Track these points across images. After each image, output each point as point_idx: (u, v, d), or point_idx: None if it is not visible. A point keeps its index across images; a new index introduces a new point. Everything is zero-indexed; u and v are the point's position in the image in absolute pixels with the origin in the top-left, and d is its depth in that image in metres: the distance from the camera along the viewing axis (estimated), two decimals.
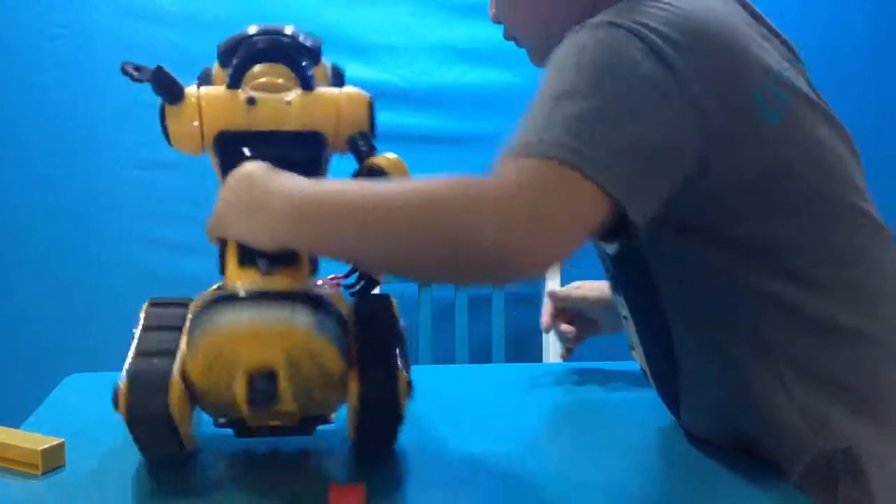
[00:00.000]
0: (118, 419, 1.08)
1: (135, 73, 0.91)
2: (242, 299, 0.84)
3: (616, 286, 1.08)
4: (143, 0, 2.02)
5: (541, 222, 0.75)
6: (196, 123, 0.92)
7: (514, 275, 0.77)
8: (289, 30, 0.99)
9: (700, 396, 1.02)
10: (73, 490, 0.90)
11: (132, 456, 0.97)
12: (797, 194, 0.91)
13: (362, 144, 0.96)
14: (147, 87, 2.07)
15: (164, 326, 0.91)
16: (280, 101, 0.93)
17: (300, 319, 0.83)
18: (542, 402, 1.19)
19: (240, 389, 0.84)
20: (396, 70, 2.06)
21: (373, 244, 0.79)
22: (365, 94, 0.97)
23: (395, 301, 0.99)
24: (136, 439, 0.88)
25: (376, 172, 0.95)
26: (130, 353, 0.90)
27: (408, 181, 0.88)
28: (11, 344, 2.02)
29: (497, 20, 1.08)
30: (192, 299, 0.97)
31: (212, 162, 0.96)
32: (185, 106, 0.93)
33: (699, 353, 0.98)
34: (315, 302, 0.85)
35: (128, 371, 0.87)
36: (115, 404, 0.86)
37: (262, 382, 0.84)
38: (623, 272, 1.03)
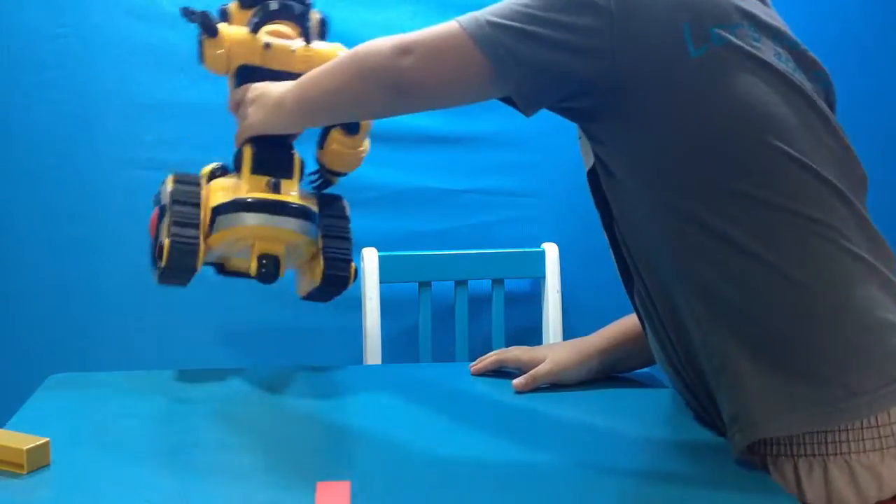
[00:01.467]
0: (102, 418, 1.09)
1: (190, 16, 1.24)
2: (261, 207, 1.19)
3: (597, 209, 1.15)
4: (143, 0, 2.02)
5: (432, 64, 1.03)
6: (224, 51, 1.24)
7: (411, 100, 1.09)
8: None
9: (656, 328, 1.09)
10: (58, 489, 0.90)
11: (117, 454, 0.98)
12: (709, 127, 0.97)
13: None
14: (148, 89, 2.09)
15: (189, 202, 1.21)
16: (288, 48, 1.25)
17: (296, 226, 1.20)
18: (540, 401, 1.19)
19: (253, 265, 1.19)
20: None
21: (339, 92, 1.12)
22: (343, 46, 1.29)
23: (346, 203, 1.31)
24: (163, 279, 1.22)
25: None
26: (167, 222, 1.19)
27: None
28: None
29: None
30: (199, 177, 1.27)
31: (228, 84, 1.28)
32: (219, 40, 1.24)
33: (645, 278, 1.06)
34: (304, 212, 1.21)
35: (171, 237, 1.17)
36: (159, 257, 1.18)
37: (270, 264, 1.19)
38: (592, 191, 1.12)
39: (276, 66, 1.24)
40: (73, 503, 0.87)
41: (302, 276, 1.32)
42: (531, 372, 1.23)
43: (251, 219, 1.18)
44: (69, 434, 1.01)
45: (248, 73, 1.24)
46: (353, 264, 1.26)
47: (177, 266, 1.18)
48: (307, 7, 1.32)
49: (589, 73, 0.98)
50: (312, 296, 1.29)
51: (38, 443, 0.93)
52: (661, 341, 1.08)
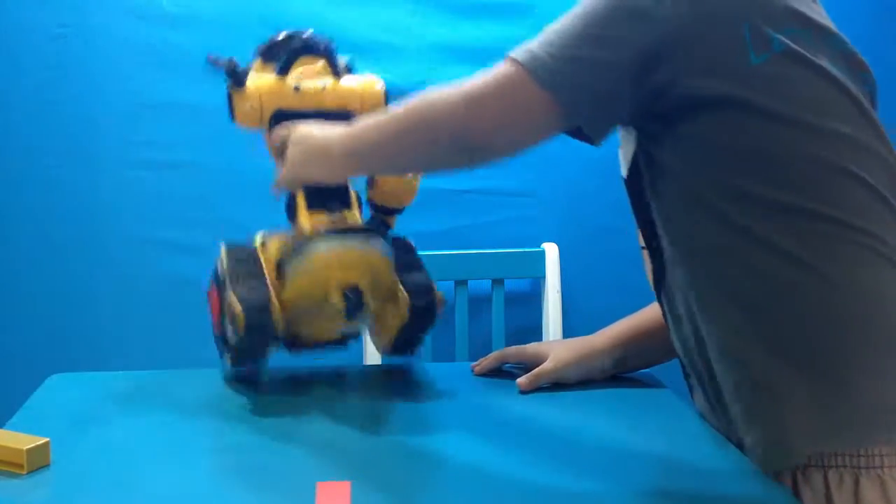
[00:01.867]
0: (102, 418, 1.09)
1: (216, 63, 1.19)
2: (330, 236, 1.13)
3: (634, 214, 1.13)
4: (143, 0, 2.02)
5: (488, 104, 0.97)
6: (255, 105, 1.19)
7: (479, 154, 1.01)
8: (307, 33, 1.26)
9: (680, 326, 1.07)
10: (58, 489, 0.90)
11: (117, 455, 0.98)
12: (764, 137, 0.95)
13: None
14: (148, 89, 2.09)
15: (250, 259, 1.17)
16: (318, 87, 1.21)
17: (375, 246, 1.14)
18: (540, 401, 1.19)
19: (337, 302, 1.11)
20: (396, 70, 2.05)
21: (395, 147, 1.05)
22: (379, 79, 1.26)
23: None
24: (240, 355, 1.16)
25: None
26: (231, 291, 1.13)
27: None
28: None
29: None
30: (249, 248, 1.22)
31: (265, 139, 1.21)
32: (248, 92, 1.19)
33: (679, 275, 1.04)
34: (378, 232, 1.17)
35: (242, 301, 1.10)
36: (232, 326, 1.11)
37: (355, 297, 1.11)
38: (631, 196, 1.10)
39: (309, 107, 1.19)
40: (72, 503, 0.87)
41: (381, 325, 1.24)
42: (534, 371, 1.23)
43: (322, 246, 1.12)
44: (69, 434, 1.01)
45: (282, 118, 1.19)
46: (438, 291, 1.21)
47: (254, 332, 1.11)
48: (329, 43, 1.26)
49: (655, 84, 0.95)
50: (399, 342, 1.22)
51: (38, 443, 0.93)
52: (685, 341, 1.08)
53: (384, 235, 1.22)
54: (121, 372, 1.28)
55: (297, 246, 1.13)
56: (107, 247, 2.04)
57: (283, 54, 1.22)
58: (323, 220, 1.16)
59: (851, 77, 1.01)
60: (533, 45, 0.96)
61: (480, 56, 2.11)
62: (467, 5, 2.05)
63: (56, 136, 2.02)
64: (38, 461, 0.93)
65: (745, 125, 0.95)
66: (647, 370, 1.30)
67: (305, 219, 1.17)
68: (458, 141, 0.99)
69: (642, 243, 1.13)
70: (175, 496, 0.88)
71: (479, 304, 2.04)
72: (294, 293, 1.13)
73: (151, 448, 1.00)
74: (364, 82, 1.24)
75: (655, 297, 1.14)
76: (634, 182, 1.07)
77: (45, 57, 2.01)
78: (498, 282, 2.01)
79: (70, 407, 1.13)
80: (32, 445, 0.92)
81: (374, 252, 1.14)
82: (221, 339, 1.18)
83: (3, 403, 1.14)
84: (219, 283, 1.17)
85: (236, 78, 1.17)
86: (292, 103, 1.19)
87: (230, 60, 1.17)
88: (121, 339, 2.03)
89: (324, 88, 1.21)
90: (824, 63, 0.98)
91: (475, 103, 0.97)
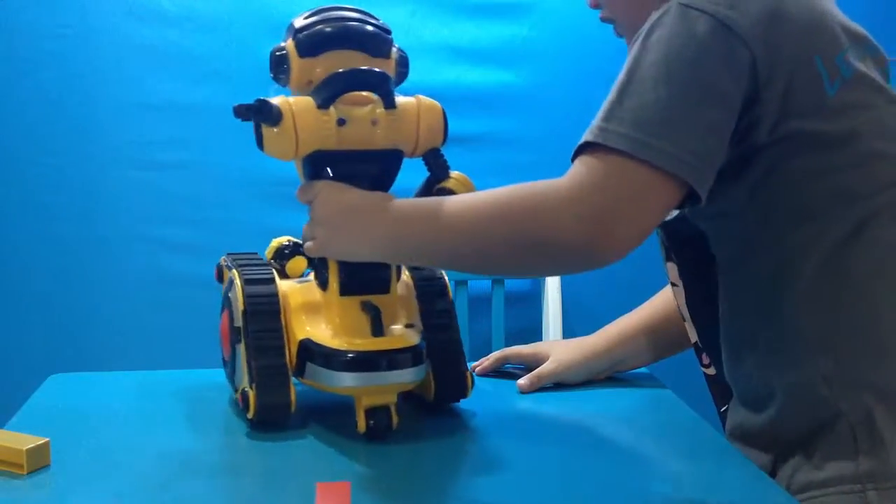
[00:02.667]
0: (102, 418, 1.09)
1: (244, 114, 0.98)
2: (365, 364, 0.98)
3: (668, 254, 1.11)
4: (143, 0, 2.02)
5: (613, 217, 0.84)
6: (292, 144, 0.98)
7: (594, 266, 0.87)
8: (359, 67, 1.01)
9: (740, 363, 1.04)
10: (58, 489, 0.89)
11: (117, 455, 0.98)
12: (840, 163, 0.94)
13: (438, 164, 1.04)
14: (148, 89, 2.09)
15: (270, 329, 1.04)
16: (366, 121, 0.99)
17: (410, 377, 1.00)
18: (540, 401, 1.19)
19: (360, 421, 1.00)
20: None
21: (461, 253, 0.92)
22: (437, 104, 1.04)
23: (447, 283, 1.12)
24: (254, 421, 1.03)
25: (445, 194, 1.00)
26: (245, 353, 1.03)
27: (488, 193, 0.92)
28: None
29: (595, 4, 1.11)
30: (270, 269, 1.09)
31: (296, 166, 1.04)
32: (283, 128, 0.97)
33: (744, 314, 1.01)
34: (417, 356, 1.00)
35: (256, 389, 1.01)
36: (244, 405, 1.03)
37: (382, 419, 1.00)
38: (677, 241, 1.07)
39: (354, 147, 0.99)
40: (72, 503, 0.87)
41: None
42: (535, 371, 1.23)
43: (351, 379, 0.98)
44: (69, 434, 1.01)
45: (320, 159, 1.00)
46: (469, 375, 1.10)
47: (267, 418, 1.03)
48: (394, 52, 1.03)
49: (743, 126, 0.92)
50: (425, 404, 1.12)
51: (38, 443, 0.93)
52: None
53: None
54: (121, 372, 1.28)
55: (326, 359, 1.00)
56: (107, 247, 2.04)
57: (330, 83, 0.98)
58: (356, 316, 1.01)
59: (889, 84, 1.01)
60: (622, 125, 0.86)
61: (480, 56, 2.13)
62: (467, 5, 2.05)
63: (56, 136, 2.03)
64: (38, 461, 0.92)
65: (817, 158, 0.94)
66: (645, 370, 1.30)
67: (336, 307, 1.02)
68: (578, 255, 0.87)
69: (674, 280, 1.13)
70: (175, 496, 0.88)
71: (479, 304, 2.04)
72: (311, 384, 1.04)
73: (151, 448, 1.00)
74: (422, 110, 1.02)
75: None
76: (681, 222, 1.04)
77: (45, 57, 2.01)
78: (498, 281, 2.01)
79: (70, 407, 1.13)
80: (32, 445, 0.92)
81: (413, 384, 1.02)
82: (226, 366, 1.12)
83: (3, 403, 1.14)
84: (231, 314, 1.07)
85: (269, 117, 0.97)
86: (334, 143, 0.98)
87: (261, 102, 0.97)
88: (121, 339, 2.03)
89: (374, 124, 0.99)
90: (877, 77, 0.98)
91: (595, 218, 0.84)
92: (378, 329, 0.99)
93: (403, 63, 1.04)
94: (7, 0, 1.99)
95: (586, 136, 0.88)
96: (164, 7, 2.02)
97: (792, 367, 0.98)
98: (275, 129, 0.97)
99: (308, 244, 1.00)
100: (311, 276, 1.10)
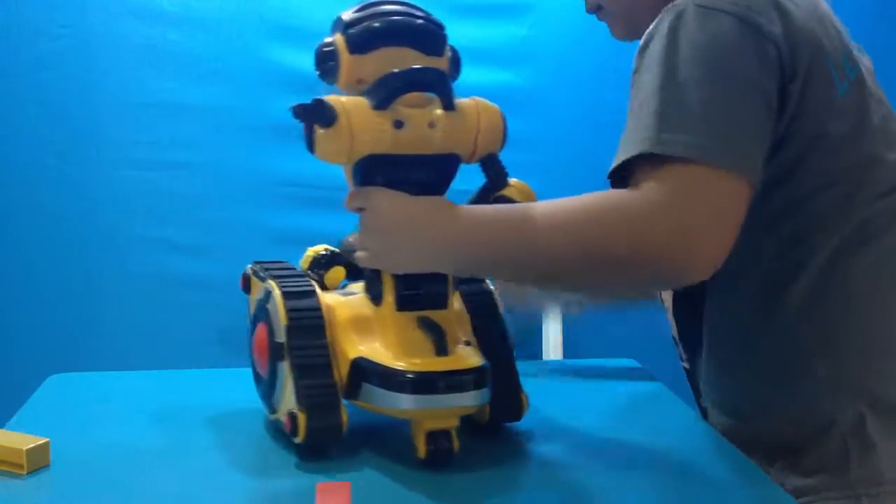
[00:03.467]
0: (102, 418, 1.09)
1: (303, 115, 0.91)
2: (427, 386, 0.91)
3: None
4: (143, 0, 2.02)
5: (703, 231, 0.83)
6: (347, 147, 0.91)
7: (687, 281, 0.87)
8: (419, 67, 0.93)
9: (724, 365, 1.04)
10: (58, 489, 0.89)
11: (116, 455, 0.98)
12: (842, 166, 0.95)
13: (496, 171, 0.97)
14: (148, 89, 2.09)
15: (316, 355, 0.96)
16: (424, 123, 0.92)
17: (476, 401, 0.93)
18: (539, 399, 1.19)
19: (420, 447, 0.94)
20: None
21: (550, 259, 0.88)
22: (496, 107, 0.96)
23: (496, 295, 1.05)
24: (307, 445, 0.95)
25: (505, 203, 0.96)
26: (290, 376, 0.95)
27: (572, 199, 0.90)
28: None
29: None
30: (309, 282, 1.01)
31: (345, 171, 0.97)
32: (338, 130, 0.90)
33: (735, 320, 1.01)
34: (480, 377, 0.92)
35: (306, 412, 0.93)
36: (293, 429, 0.94)
37: (443, 444, 0.93)
38: None
39: (410, 151, 0.92)
40: (72, 503, 0.87)
41: None
42: None
43: (414, 402, 0.91)
44: (69, 434, 1.01)
45: (374, 163, 0.93)
46: (524, 396, 1.04)
47: (317, 442, 0.96)
48: (448, 52, 0.96)
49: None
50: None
51: (38, 443, 0.93)
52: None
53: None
54: (121, 372, 1.28)
55: (383, 379, 0.93)
56: (107, 247, 2.04)
57: (387, 84, 0.91)
58: (414, 333, 0.94)
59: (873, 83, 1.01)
60: (680, 132, 0.85)
61: (480, 56, 2.13)
62: (467, 5, 2.05)
63: (56, 136, 2.03)
64: (38, 461, 0.92)
65: (823, 160, 0.94)
66: (631, 362, 1.30)
67: (391, 324, 0.95)
68: (672, 268, 0.85)
69: None
70: (175, 496, 0.88)
71: None
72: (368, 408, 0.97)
73: (151, 448, 1.00)
74: (481, 113, 0.95)
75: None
76: None
77: (45, 57, 2.01)
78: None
79: (70, 407, 1.13)
80: (32, 445, 0.92)
81: (476, 407, 0.95)
82: (259, 381, 1.05)
83: (3, 403, 1.14)
84: (270, 330, 0.99)
85: (324, 118, 0.90)
86: (390, 147, 0.92)
87: (319, 102, 0.90)
88: (121, 339, 2.03)
89: (431, 127, 0.92)
90: (867, 78, 0.98)
91: (686, 234, 0.83)
92: (443, 348, 0.92)
93: (456, 62, 0.97)
94: (7, 0, 1.99)
95: (643, 147, 0.85)
96: (164, 7, 2.03)
97: (790, 375, 0.98)
98: (328, 131, 0.90)
99: (362, 255, 0.94)
100: (351, 286, 1.05)
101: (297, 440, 0.93)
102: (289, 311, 0.96)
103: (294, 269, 1.06)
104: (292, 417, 0.94)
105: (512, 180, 0.98)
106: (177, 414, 1.11)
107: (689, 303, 1.05)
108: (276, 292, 0.98)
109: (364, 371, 0.94)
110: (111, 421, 1.09)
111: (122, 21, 2.02)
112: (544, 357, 2.05)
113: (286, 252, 2.13)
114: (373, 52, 0.92)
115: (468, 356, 0.94)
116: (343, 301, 1.00)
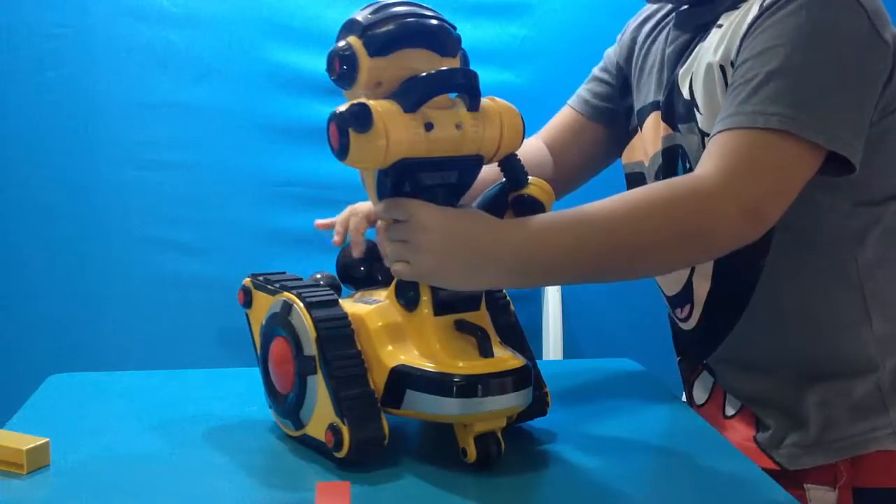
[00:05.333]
0: (102, 418, 1.09)
1: (342, 119, 0.89)
2: (472, 389, 0.90)
3: None
4: (143, 0, 2.02)
5: (769, 202, 0.92)
6: (382, 151, 0.89)
7: (745, 244, 0.94)
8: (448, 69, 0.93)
9: (766, 324, 1.08)
10: (57, 489, 0.89)
11: (116, 455, 0.98)
12: None
13: (517, 170, 0.98)
14: (148, 89, 2.08)
15: (349, 356, 0.94)
16: (452, 124, 0.92)
17: (523, 400, 0.93)
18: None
19: (470, 450, 0.92)
20: None
21: (613, 257, 0.92)
22: (513, 107, 0.97)
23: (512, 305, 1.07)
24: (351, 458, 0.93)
25: (528, 201, 0.97)
26: (336, 394, 0.92)
27: (634, 193, 0.95)
28: None
29: None
30: (333, 296, 0.98)
31: (364, 178, 0.97)
32: (374, 135, 0.88)
33: (789, 278, 1.06)
34: (524, 376, 0.92)
35: (349, 426, 0.91)
36: (339, 446, 0.91)
37: (493, 446, 0.93)
38: None
39: (441, 153, 0.92)
40: (72, 503, 0.87)
41: None
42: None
43: (461, 406, 0.90)
44: (69, 434, 1.01)
45: (406, 168, 0.91)
46: (547, 392, 1.04)
47: (361, 455, 0.93)
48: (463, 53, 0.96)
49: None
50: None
51: (38, 443, 0.93)
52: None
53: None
54: (121, 372, 1.28)
55: (428, 383, 0.91)
56: (107, 247, 2.04)
57: (413, 90, 0.90)
58: (453, 336, 0.93)
59: None
60: (775, 105, 0.92)
61: (480, 56, 2.12)
62: (467, 5, 2.05)
63: (56, 137, 2.03)
64: (38, 461, 0.92)
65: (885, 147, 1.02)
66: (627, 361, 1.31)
67: (430, 330, 0.93)
68: (736, 240, 0.93)
69: None
70: (175, 496, 0.88)
71: None
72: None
73: (151, 448, 1.00)
74: (504, 114, 0.95)
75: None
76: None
77: (45, 57, 2.01)
78: None
79: (70, 407, 1.13)
80: (32, 445, 0.92)
81: (521, 405, 0.94)
82: (272, 394, 1.03)
83: (3, 403, 1.14)
84: (295, 344, 0.96)
85: (363, 123, 0.89)
86: (420, 150, 0.91)
87: (359, 105, 0.88)
88: (121, 340, 2.03)
89: (458, 128, 0.92)
90: None
91: (755, 208, 0.92)
92: (487, 350, 0.91)
93: (466, 62, 0.96)
94: (7, 0, 1.99)
95: (732, 122, 0.93)
96: (164, 7, 2.02)
97: (849, 329, 1.05)
98: (365, 136, 0.88)
99: (402, 268, 0.91)
100: (372, 294, 1.05)
101: (340, 455, 0.91)
102: (317, 321, 0.94)
103: (301, 278, 1.04)
104: (335, 431, 0.91)
105: (533, 179, 0.98)
106: (176, 414, 1.11)
107: (747, 265, 1.07)
108: (299, 304, 0.95)
109: (407, 378, 0.92)
110: (111, 421, 1.09)
111: (122, 21, 2.02)
112: (544, 357, 2.05)
113: (286, 252, 2.14)
114: (393, 55, 0.91)
115: (510, 357, 0.93)
116: (369, 309, 0.98)
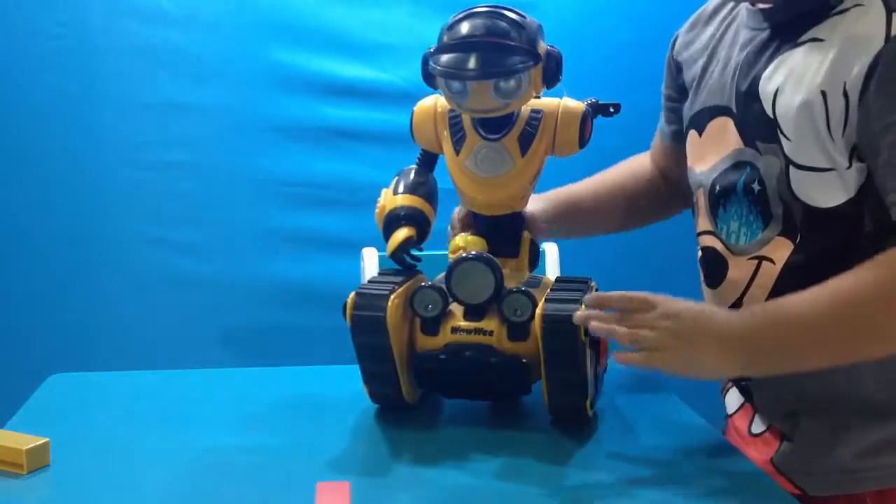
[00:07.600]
0: (102, 418, 1.09)
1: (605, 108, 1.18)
2: None
3: (784, 230, 1.05)
4: (143, 0, 2.02)
5: None
6: None
7: None
8: None
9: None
10: (57, 489, 0.90)
11: (116, 455, 0.98)
12: None
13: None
14: (148, 89, 2.08)
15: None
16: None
17: None
18: (538, 398, 1.19)
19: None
20: (396, 70, 2.05)
21: (837, 357, 0.96)
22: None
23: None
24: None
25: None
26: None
27: (830, 291, 0.95)
28: None
29: None
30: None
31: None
32: None
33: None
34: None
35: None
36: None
37: None
38: (818, 217, 1.01)
39: None
40: (72, 503, 0.87)
41: None
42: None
43: None
44: (69, 434, 1.01)
45: None
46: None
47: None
48: None
49: None
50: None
51: (38, 443, 0.93)
52: None
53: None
54: (121, 372, 1.28)
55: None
56: (107, 247, 2.04)
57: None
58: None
59: None
60: None
61: None
62: (467, 5, 2.05)
63: (56, 137, 2.02)
64: (38, 461, 0.93)
65: None
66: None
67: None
68: None
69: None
70: (174, 496, 0.89)
71: None
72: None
73: (151, 448, 1.00)
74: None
75: None
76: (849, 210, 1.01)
77: (44, 57, 2.01)
78: None
79: (70, 407, 1.13)
80: (32, 445, 0.92)
81: None
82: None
83: (3, 403, 1.14)
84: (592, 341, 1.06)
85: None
86: None
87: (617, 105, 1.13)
88: (122, 339, 2.03)
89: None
90: None
91: None
92: None
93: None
94: (6, 0, 1.99)
95: None
96: (164, 7, 2.02)
97: (888, 370, 1.00)
98: None
99: (656, 356, 0.95)
100: None
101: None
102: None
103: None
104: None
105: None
106: (176, 413, 1.11)
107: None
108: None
109: None
110: (111, 421, 1.09)
111: (122, 21, 2.02)
112: None
113: (286, 252, 2.13)
114: None
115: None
116: None
